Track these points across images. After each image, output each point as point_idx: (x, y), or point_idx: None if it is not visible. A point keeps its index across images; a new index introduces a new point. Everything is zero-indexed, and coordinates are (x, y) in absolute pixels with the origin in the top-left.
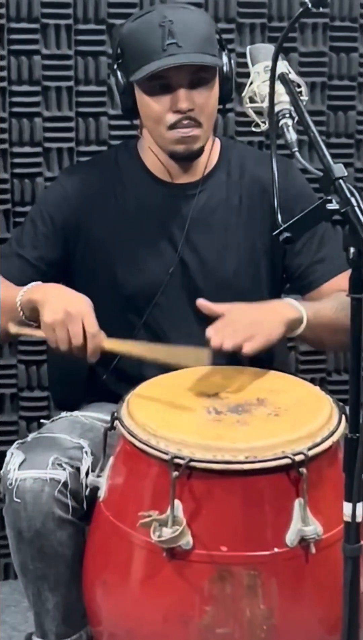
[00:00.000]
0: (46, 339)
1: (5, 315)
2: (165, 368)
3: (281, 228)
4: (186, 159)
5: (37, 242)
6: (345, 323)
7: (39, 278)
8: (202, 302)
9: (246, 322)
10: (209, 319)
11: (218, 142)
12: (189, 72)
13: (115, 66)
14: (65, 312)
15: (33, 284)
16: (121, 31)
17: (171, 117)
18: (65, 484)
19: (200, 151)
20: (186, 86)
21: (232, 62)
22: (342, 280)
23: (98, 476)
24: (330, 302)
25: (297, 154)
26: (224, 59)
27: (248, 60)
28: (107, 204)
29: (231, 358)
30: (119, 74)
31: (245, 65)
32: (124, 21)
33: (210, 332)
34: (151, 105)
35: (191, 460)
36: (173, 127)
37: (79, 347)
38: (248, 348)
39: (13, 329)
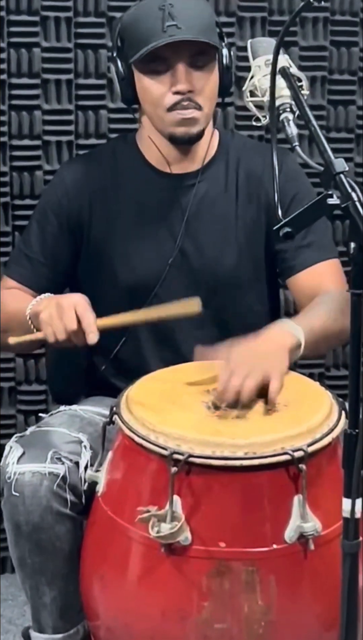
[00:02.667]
0: (46, 338)
1: (19, 329)
2: (165, 360)
3: (282, 223)
4: (186, 143)
5: (46, 241)
6: (335, 329)
7: (53, 277)
8: (201, 352)
9: (246, 370)
10: (210, 311)
11: (217, 133)
12: (188, 54)
13: (115, 54)
14: (57, 304)
15: (41, 296)
16: (121, 19)
17: (171, 99)
18: (64, 478)
19: (199, 135)
20: (186, 64)
21: (232, 54)
22: (324, 268)
23: (97, 471)
24: (319, 309)
25: (298, 148)
26: (224, 51)
27: (249, 54)
28: (107, 197)
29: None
30: (118, 61)
31: (246, 59)
32: (123, 14)
33: (216, 394)
34: (150, 87)
35: (190, 455)
36: (172, 108)
37: (75, 332)
38: (273, 394)
39: (12, 340)
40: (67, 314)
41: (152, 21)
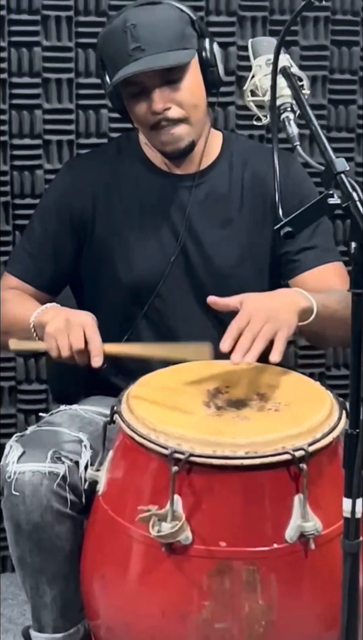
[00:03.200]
0: (47, 350)
1: (20, 333)
2: (166, 360)
3: (283, 222)
4: (178, 157)
5: (48, 238)
6: (346, 317)
7: (55, 275)
8: (213, 299)
9: (264, 317)
10: (212, 310)
11: (219, 134)
12: (158, 73)
13: (101, 70)
14: (66, 321)
15: (46, 305)
16: (98, 38)
17: (151, 119)
18: (64, 478)
19: (191, 147)
20: (160, 86)
21: (216, 47)
22: (327, 271)
23: (97, 470)
24: (331, 294)
25: (298, 147)
26: (206, 45)
27: (250, 53)
28: (110, 195)
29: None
30: (105, 78)
31: (246, 58)
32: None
33: (225, 345)
34: (132, 108)
35: (191, 455)
36: (154, 127)
37: (80, 352)
38: (276, 356)
39: (13, 344)
40: (75, 332)
41: (118, 44)
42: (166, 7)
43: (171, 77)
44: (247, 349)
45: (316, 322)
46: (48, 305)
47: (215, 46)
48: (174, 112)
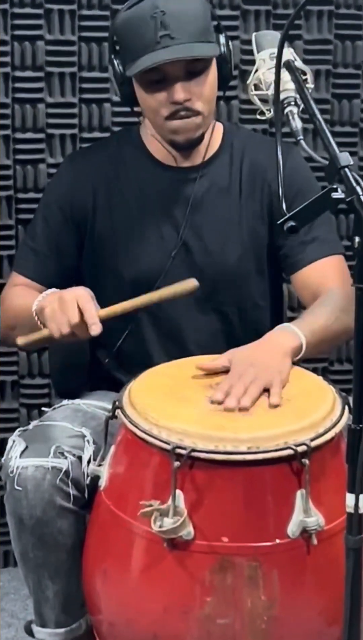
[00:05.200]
0: (51, 334)
1: (26, 326)
2: (168, 354)
3: (286, 217)
4: (188, 148)
5: (51, 233)
6: (338, 329)
7: (61, 271)
8: (201, 364)
9: (254, 373)
10: (214, 304)
11: (220, 126)
12: (184, 63)
13: (112, 55)
14: (60, 299)
15: (48, 291)
16: (115, 21)
17: (169, 108)
18: (66, 473)
19: (201, 138)
20: (182, 78)
21: (230, 44)
22: (327, 264)
23: (99, 465)
24: (321, 310)
25: (302, 141)
26: (222, 40)
27: (254, 47)
28: (111, 189)
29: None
30: (116, 63)
31: (250, 52)
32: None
33: (217, 398)
34: (147, 98)
35: (193, 450)
36: (170, 117)
37: (78, 325)
38: (275, 399)
39: (20, 340)
40: (69, 307)
41: (144, 30)
42: None
43: (196, 69)
44: (240, 395)
45: (309, 351)
46: (49, 291)
47: (230, 43)
48: (194, 104)
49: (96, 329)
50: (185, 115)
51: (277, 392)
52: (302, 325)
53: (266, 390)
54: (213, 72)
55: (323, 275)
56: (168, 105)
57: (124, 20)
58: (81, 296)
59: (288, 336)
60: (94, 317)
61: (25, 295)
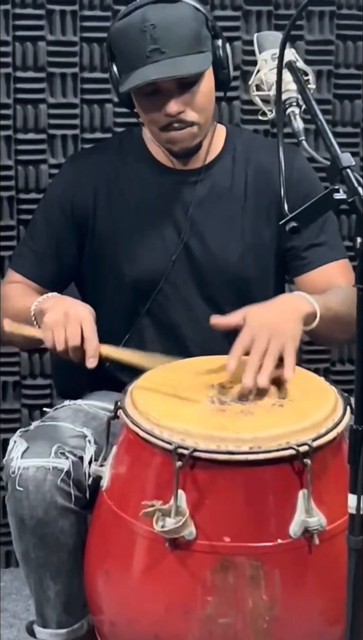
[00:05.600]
0: (42, 339)
1: (21, 322)
2: (170, 355)
3: (288, 217)
4: (185, 156)
5: (52, 234)
6: (350, 316)
7: (59, 271)
8: (215, 320)
9: (268, 333)
10: (215, 306)
11: (223, 128)
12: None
13: (110, 62)
14: (64, 314)
15: (47, 294)
16: (110, 29)
17: (163, 120)
18: (68, 473)
19: (198, 146)
20: (175, 90)
21: (228, 47)
22: (335, 268)
23: (101, 465)
24: (334, 296)
25: (304, 142)
26: (219, 43)
27: (255, 47)
28: (112, 190)
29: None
30: (113, 71)
31: (251, 53)
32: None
33: (231, 365)
34: (142, 108)
35: (195, 450)
36: (165, 128)
37: (76, 348)
38: (289, 373)
39: (8, 326)
40: (72, 327)
41: (135, 44)
42: (184, 6)
43: (188, 80)
44: (257, 369)
45: (321, 325)
46: (50, 294)
47: (227, 46)
48: (188, 115)
49: (93, 362)
50: (179, 127)
51: (291, 363)
52: (318, 298)
53: (268, 390)
54: (207, 80)
55: (329, 278)
56: (162, 117)
57: (118, 30)
58: (85, 320)
59: (303, 301)
60: (95, 351)
61: (23, 293)
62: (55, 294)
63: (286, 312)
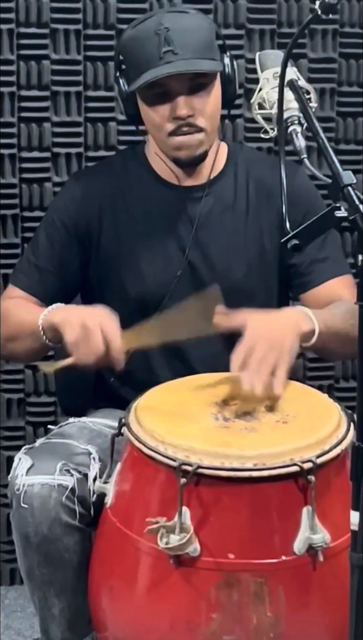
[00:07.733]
0: (77, 362)
1: (28, 338)
2: (174, 372)
3: (289, 235)
4: (190, 165)
5: (54, 250)
6: (353, 333)
7: (61, 287)
8: (219, 320)
9: (267, 344)
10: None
11: (225, 146)
12: (187, 78)
13: (117, 74)
14: (83, 326)
15: (53, 306)
16: (121, 39)
17: (171, 124)
18: (72, 490)
19: (204, 155)
20: (185, 93)
21: (235, 64)
22: (338, 284)
23: (105, 482)
24: (336, 310)
25: (306, 160)
26: (227, 60)
27: (257, 66)
28: (115, 208)
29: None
30: (121, 82)
31: (254, 71)
32: (123, 33)
33: (235, 368)
34: (150, 114)
35: (199, 467)
36: (173, 133)
37: (103, 357)
38: (279, 388)
39: (48, 368)
40: (94, 338)
41: (148, 47)
42: (198, 16)
43: (199, 84)
44: (256, 374)
45: (318, 342)
46: (54, 305)
47: (234, 62)
48: (197, 120)
49: (120, 365)
50: (187, 132)
51: (282, 377)
52: (317, 313)
53: (272, 407)
54: (216, 89)
55: (333, 294)
56: (171, 120)
57: (130, 37)
58: (104, 323)
59: (304, 318)
60: (120, 352)
61: (26, 308)
62: (59, 304)
63: (285, 327)
